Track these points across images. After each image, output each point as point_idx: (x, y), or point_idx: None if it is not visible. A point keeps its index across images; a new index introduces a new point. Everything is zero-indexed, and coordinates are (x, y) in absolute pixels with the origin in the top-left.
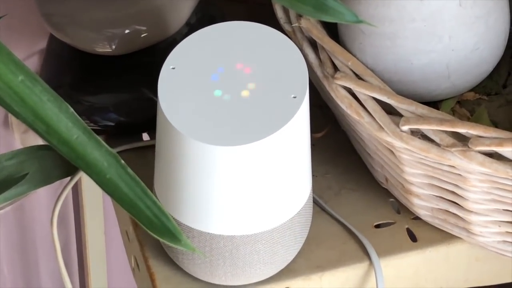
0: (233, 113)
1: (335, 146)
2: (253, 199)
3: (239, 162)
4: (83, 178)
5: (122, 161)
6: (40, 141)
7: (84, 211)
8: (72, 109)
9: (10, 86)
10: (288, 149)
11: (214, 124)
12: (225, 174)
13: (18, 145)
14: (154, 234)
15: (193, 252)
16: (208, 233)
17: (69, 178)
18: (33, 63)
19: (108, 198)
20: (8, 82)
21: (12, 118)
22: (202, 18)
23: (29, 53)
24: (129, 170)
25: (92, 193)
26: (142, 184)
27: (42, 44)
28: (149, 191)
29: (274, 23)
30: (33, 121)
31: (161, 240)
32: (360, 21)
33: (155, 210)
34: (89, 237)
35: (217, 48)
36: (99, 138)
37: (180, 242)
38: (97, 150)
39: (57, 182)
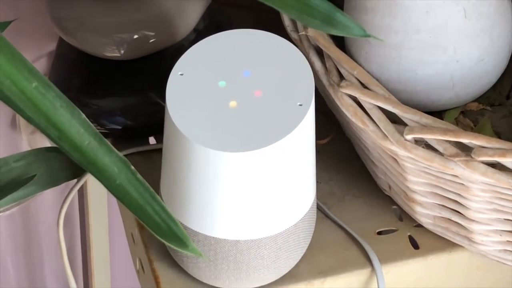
0: (240, 119)
1: (339, 152)
2: (258, 204)
3: (245, 168)
4: (89, 180)
5: (132, 167)
6: (47, 143)
7: (89, 213)
8: (84, 115)
9: (24, 92)
10: (294, 156)
11: (220, 130)
12: (231, 179)
13: (25, 146)
14: (162, 239)
15: (200, 257)
16: (213, 237)
17: (75, 180)
18: (41, 66)
19: (113, 200)
20: (22, 88)
21: (19, 119)
22: (209, 24)
23: (37, 55)
24: (139, 175)
25: (97, 195)
26: (151, 189)
27: (50, 47)
28: (157, 196)
29: (279, 29)
30: (46, 126)
31: (168, 244)
32: (368, 35)
33: (163, 215)
34: (94, 239)
35: (225, 55)
36: (110, 144)
37: (187, 247)
38: (107, 156)
39: (63, 184)
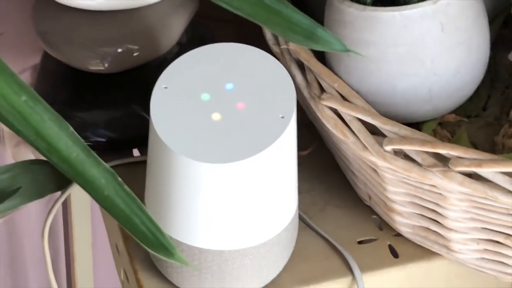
0: (223, 131)
1: (320, 163)
2: (241, 215)
3: (227, 179)
4: (73, 192)
5: (119, 179)
6: (31, 155)
7: (73, 224)
8: (72, 128)
9: (13, 106)
10: (276, 167)
11: (203, 142)
12: (214, 190)
13: (9, 158)
14: (149, 249)
15: (181, 266)
16: (197, 247)
17: (59, 192)
18: (25, 79)
19: (96, 212)
20: (11, 102)
21: (4, 132)
22: (192, 38)
23: (21, 69)
24: (126, 187)
25: (80, 207)
26: (138, 200)
27: (35, 60)
28: (144, 207)
29: (261, 42)
30: (35, 139)
31: (155, 254)
32: (348, 50)
33: (150, 226)
34: (77, 250)
35: (208, 69)
36: (97, 156)
37: (173, 256)
38: (95, 168)
39: (47, 196)
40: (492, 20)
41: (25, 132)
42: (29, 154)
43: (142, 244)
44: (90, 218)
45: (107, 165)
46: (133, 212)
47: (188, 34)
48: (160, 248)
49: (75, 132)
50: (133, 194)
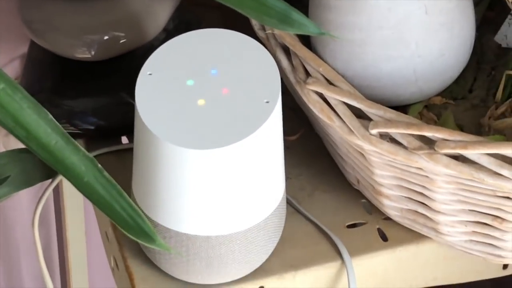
0: (208, 117)
1: (309, 148)
2: (228, 200)
3: (213, 165)
4: (64, 180)
5: (99, 165)
6: (21, 144)
7: (65, 212)
8: (51, 115)
9: None
10: (261, 152)
11: (189, 127)
12: (199, 176)
13: (0, 147)
14: (130, 235)
15: (169, 252)
16: (185, 233)
17: (50, 180)
18: (14, 68)
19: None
20: None
21: None
22: (178, 24)
23: (10, 58)
24: (106, 173)
25: (73, 195)
26: (118, 186)
27: (23, 49)
28: (125, 193)
29: (248, 28)
30: (14, 127)
31: (136, 240)
32: (323, 33)
33: (131, 212)
34: (70, 238)
35: (193, 54)
36: (76, 143)
37: (154, 242)
38: (75, 155)
39: (38, 184)
40: (477, 2)
41: (4, 120)
42: (19, 143)
43: (123, 230)
44: (83, 205)
45: (86, 152)
46: (113, 198)
47: (174, 21)
48: (141, 234)
49: (54, 120)
50: (113, 181)
